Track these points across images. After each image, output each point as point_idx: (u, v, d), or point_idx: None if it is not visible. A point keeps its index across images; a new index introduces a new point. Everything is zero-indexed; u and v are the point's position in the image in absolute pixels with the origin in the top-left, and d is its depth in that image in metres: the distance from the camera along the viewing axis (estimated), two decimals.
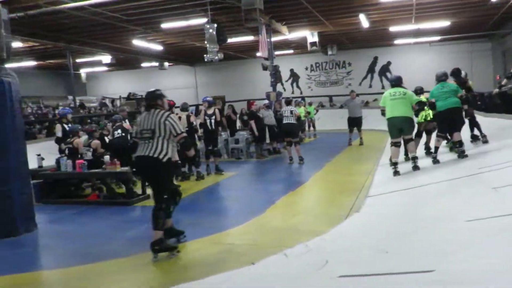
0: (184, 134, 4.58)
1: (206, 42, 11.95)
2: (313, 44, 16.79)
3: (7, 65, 5.74)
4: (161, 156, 4.38)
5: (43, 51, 18.73)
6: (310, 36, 16.64)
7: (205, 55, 12.12)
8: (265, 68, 14.71)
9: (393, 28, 16.82)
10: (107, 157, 7.40)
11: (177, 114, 8.43)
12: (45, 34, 15.09)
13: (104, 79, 27.54)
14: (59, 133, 8.49)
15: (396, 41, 20.21)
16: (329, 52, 20.65)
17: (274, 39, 15.46)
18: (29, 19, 11.56)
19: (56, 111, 18.63)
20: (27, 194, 5.71)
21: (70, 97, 20.51)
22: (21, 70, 18.83)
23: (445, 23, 16.34)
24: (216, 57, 11.84)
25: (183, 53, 21.57)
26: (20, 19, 11.03)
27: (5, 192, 5.38)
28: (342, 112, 18.42)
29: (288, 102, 11.16)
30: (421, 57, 21.41)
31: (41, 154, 8.53)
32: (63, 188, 7.70)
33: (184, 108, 9.20)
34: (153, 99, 4.71)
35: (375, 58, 22.84)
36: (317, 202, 6.48)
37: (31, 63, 19.98)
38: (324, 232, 4.62)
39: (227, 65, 23.14)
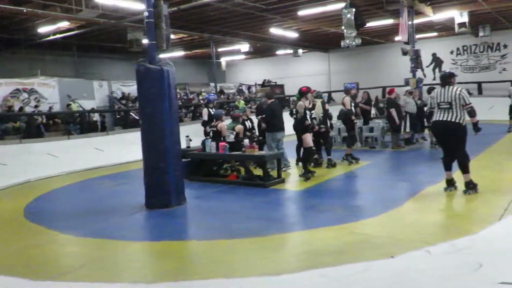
0: (471, 104, 5.74)
1: (343, 27, 11.71)
2: (461, 25, 15.24)
3: (164, 55, 6.41)
4: (459, 121, 5.74)
5: (190, 42, 20.46)
6: (459, 16, 15.11)
7: (341, 41, 11.89)
8: (404, 53, 13.84)
9: None
10: (246, 141, 7.83)
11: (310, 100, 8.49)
12: (193, 26, 16.47)
13: (241, 66, 29.00)
14: (205, 117, 9.25)
15: None
16: (480, 34, 18.52)
17: (416, 21, 14.39)
18: (180, 13, 12.74)
19: (200, 97, 20.35)
20: (179, 171, 6.37)
21: (212, 84, 22.12)
22: (172, 60, 20.93)
23: None
24: (353, 43, 11.51)
25: (318, 39, 21.50)
26: (173, 14, 12.23)
27: (163, 168, 6.09)
28: (493, 101, 16.48)
29: (431, 90, 10.36)
30: None
31: (189, 135, 9.42)
32: (207, 167, 8.40)
33: (319, 95, 9.22)
34: (448, 77, 5.92)
35: None
36: (464, 199, 5.93)
37: (180, 53, 22.00)
38: (473, 232, 4.22)
39: (362, 51, 22.35)
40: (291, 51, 22.90)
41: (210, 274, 3.74)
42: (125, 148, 12.24)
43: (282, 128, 8.64)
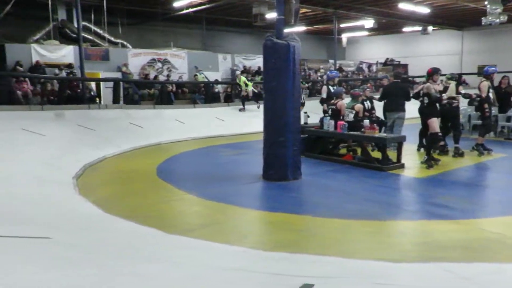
0: None
1: (486, 2, 10.51)
2: None
3: (290, 30, 6.45)
4: None
5: (313, 17, 20.25)
6: None
7: (482, 18, 10.71)
8: None
9: None
10: (366, 121, 7.59)
11: (442, 82, 7.88)
12: (317, 1, 16.23)
13: (363, 43, 27.93)
14: (324, 94, 9.17)
15: None
16: None
17: None
18: None
19: (318, 74, 20.16)
20: (298, 147, 6.46)
21: (331, 61, 21.74)
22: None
23: None
24: (497, 20, 10.29)
25: (452, 16, 19.64)
26: None
27: (283, 142, 6.24)
28: None
29: None
30: None
31: (306, 112, 9.45)
32: (323, 145, 8.38)
33: (453, 77, 8.53)
34: None
35: None
36: None
37: (301, 28, 21.93)
38: None
39: (505, 29, 19.88)
40: (419, 28, 21.32)
41: (325, 251, 3.77)
42: (244, 120, 12.78)
43: (394, 109, 8.55)
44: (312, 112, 10.41)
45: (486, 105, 8.20)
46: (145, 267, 2.67)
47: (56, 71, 13.69)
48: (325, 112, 8.74)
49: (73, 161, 7.07)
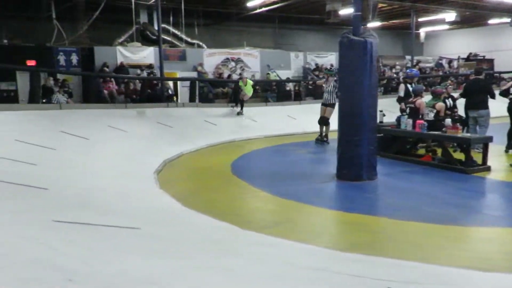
0: None
1: None
2: None
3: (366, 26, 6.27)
4: None
5: (389, 12, 19.52)
6: None
7: None
8: None
9: None
10: (448, 120, 7.19)
11: None
12: None
13: (442, 38, 26.41)
14: (401, 93, 8.82)
15: None
16: None
17: None
18: None
19: (393, 71, 19.41)
20: (373, 146, 6.29)
21: (408, 57, 20.82)
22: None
23: None
24: None
25: None
26: None
27: (358, 141, 6.10)
28: None
29: None
30: None
31: (382, 110, 9.14)
32: (399, 145, 8.06)
33: None
34: None
35: None
36: None
37: (376, 24, 21.22)
38: None
39: None
40: (507, 20, 19.69)
41: (403, 255, 3.64)
42: (316, 118, 12.67)
43: (474, 107, 8.16)
44: (387, 111, 10.05)
45: None
46: (228, 261, 2.77)
47: (138, 71, 14.55)
48: (402, 110, 8.40)
49: (154, 157, 7.48)
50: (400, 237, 4.23)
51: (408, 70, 10.11)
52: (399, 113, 8.48)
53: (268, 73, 16.95)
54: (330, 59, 19.24)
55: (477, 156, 6.97)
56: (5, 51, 13.90)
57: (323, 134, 9.84)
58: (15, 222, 2.97)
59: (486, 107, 8.10)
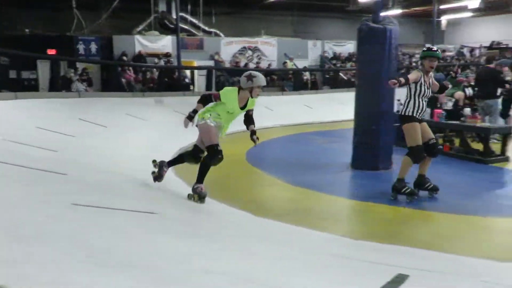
0: None
1: None
2: None
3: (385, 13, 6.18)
4: None
5: None
6: None
7: None
8: None
9: None
10: (467, 110, 7.07)
11: None
12: None
13: (465, 26, 25.74)
14: None
15: None
16: None
17: None
18: None
19: (413, 60, 19.08)
20: (390, 135, 6.24)
21: (428, 45, 20.39)
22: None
23: None
24: None
25: None
26: None
27: (375, 131, 6.06)
28: None
29: None
30: None
31: (400, 99, 9.02)
32: None
33: None
34: None
35: None
36: None
37: (397, 11, 20.84)
38: None
39: None
40: None
41: (419, 244, 3.63)
42: (333, 107, 12.59)
43: (482, 96, 7.90)
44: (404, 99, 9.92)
45: None
46: (254, 245, 2.84)
47: (156, 60, 14.66)
48: None
49: (171, 144, 7.56)
50: (417, 226, 4.23)
51: None
52: None
53: (285, 62, 16.87)
54: (349, 47, 19.02)
55: (495, 146, 6.85)
56: (26, 40, 14.17)
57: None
58: (40, 204, 3.08)
59: (493, 97, 7.87)
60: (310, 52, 18.66)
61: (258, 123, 10.47)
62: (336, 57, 18.39)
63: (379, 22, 6.04)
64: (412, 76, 4.70)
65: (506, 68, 8.49)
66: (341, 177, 6.11)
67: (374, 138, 6.06)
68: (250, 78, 4.39)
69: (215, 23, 18.65)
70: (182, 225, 3.33)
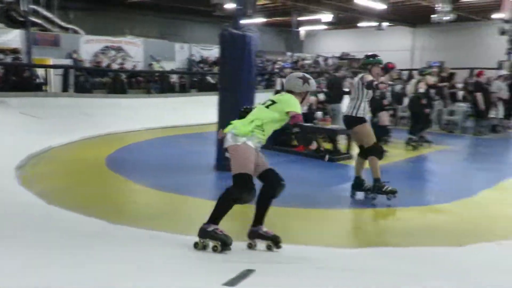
0: None
1: (436, 1, 10.95)
2: None
3: (248, 21, 6.45)
4: None
5: (272, 9, 20.30)
6: None
7: (432, 16, 11.16)
8: (502, 32, 12.66)
9: None
10: (319, 113, 7.74)
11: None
12: None
13: (320, 37, 28.34)
14: (278, 86, 9.28)
15: None
16: None
17: None
18: None
19: (276, 66, 20.30)
20: None
21: (289, 53, 21.94)
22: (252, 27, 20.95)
23: None
24: (448, 17, 10.75)
25: (406, 13, 20.32)
26: None
27: None
28: None
29: None
30: None
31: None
32: (276, 136, 8.44)
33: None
34: None
35: None
36: None
37: (260, 20, 21.95)
38: None
39: (453, 28, 20.78)
40: (374, 24, 21.88)
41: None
42: (200, 110, 12.64)
43: (330, 101, 8.79)
44: None
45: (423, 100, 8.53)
46: (107, 252, 2.66)
47: (1, 56, 12.99)
48: None
49: (15, 151, 6.75)
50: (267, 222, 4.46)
51: (283, 64, 10.66)
52: None
53: (151, 64, 16.46)
54: (216, 52, 19.30)
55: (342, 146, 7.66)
56: None
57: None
58: None
59: (338, 101, 8.78)
60: (178, 55, 18.53)
61: (121, 127, 10.16)
62: (203, 60, 18.58)
63: (240, 29, 6.25)
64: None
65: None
66: (204, 179, 6.15)
67: None
68: (306, 80, 3.41)
69: (73, 19, 17.30)
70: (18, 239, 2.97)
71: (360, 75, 5.04)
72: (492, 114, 10.95)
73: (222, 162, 6.36)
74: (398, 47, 24.27)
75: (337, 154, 7.35)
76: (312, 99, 8.21)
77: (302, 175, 6.43)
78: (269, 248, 3.35)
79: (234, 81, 6.21)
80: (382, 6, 17.73)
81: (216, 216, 3.22)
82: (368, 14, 20.14)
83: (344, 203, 5.19)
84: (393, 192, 4.95)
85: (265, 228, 3.39)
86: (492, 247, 3.64)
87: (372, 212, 4.89)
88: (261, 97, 11.14)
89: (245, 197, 3.18)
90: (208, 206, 4.92)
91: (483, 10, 18.04)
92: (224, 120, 6.29)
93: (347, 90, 8.67)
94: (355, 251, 3.60)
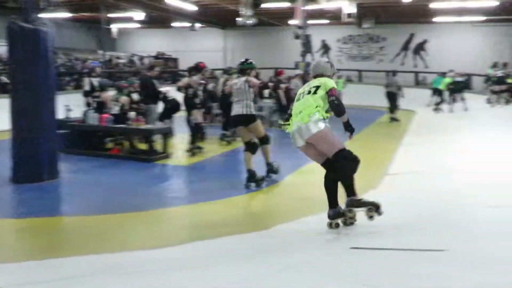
0: None
1: (240, 5, 11.77)
2: (349, 15, 16.29)
3: (44, 15, 5.79)
4: None
5: (79, 3, 18.78)
6: (348, 6, 16.12)
7: (237, 19, 11.97)
8: (297, 37, 14.38)
9: (434, 5, 16.09)
10: (132, 114, 7.50)
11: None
12: None
13: (135, 36, 27.55)
14: (86, 87, 8.65)
15: (436, 19, 19.32)
16: (364, 26, 20.01)
17: (309, 7, 14.99)
18: None
19: (90, 65, 18.94)
20: (54, 143, 5.87)
21: (100, 52, 20.70)
22: (57, 22, 18.94)
23: (493, 2, 15.38)
24: (251, 21, 11.67)
25: (216, 15, 21.30)
26: None
27: (34, 139, 5.55)
28: (371, 88, 18.16)
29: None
30: (462, 38, 20.50)
31: (69, 105, 8.70)
32: (88, 140, 7.88)
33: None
34: None
35: (411, 35, 22.02)
36: None
37: (67, 15, 20.10)
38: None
39: (259, 31, 22.79)
40: (187, 25, 22.35)
41: (83, 250, 3.55)
42: None
43: (143, 101, 8.41)
44: (76, 106, 9.67)
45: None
46: None
47: None
48: (89, 105, 8.24)
49: None
50: (81, 233, 4.13)
51: (92, 63, 10.01)
52: (86, 108, 8.28)
53: None
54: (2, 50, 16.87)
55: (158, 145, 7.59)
56: None
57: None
58: None
59: (150, 102, 8.43)
60: None
61: None
62: None
63: (31, 22, 5.56)
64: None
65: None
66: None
67: (35, 147, 5.56)
68: (332, 64, 4.08)
69: None
70: None
71: (243, 78, 5.80)
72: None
73: (20, 173, 5.62)
74: (212, 47, 25.35)
75: (153, 154, 7.25)
76: (124, 99, 7.92)
77: (116, 179, 6.16)
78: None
79: (29, 82, 5.52)
80: (193, 8, 18.21)
81: (352, 189, 3.58)
82: (180, 14, 20.43)
83: (164, 203, 5.15)
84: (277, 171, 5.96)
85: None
86: (298, 227, 4.09)
87: (186, 208, 4.97)
88: (70, 98, 10.30)
89: (358, 165, 3.61)
90: (6, 224, 4.31)
91: (281, 16, 20.18)
92: (19, 125, 5.56)
93: (162, 90, 8.57)
94: (177, 248, 3.61)
